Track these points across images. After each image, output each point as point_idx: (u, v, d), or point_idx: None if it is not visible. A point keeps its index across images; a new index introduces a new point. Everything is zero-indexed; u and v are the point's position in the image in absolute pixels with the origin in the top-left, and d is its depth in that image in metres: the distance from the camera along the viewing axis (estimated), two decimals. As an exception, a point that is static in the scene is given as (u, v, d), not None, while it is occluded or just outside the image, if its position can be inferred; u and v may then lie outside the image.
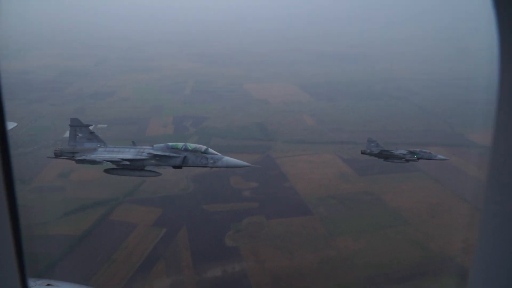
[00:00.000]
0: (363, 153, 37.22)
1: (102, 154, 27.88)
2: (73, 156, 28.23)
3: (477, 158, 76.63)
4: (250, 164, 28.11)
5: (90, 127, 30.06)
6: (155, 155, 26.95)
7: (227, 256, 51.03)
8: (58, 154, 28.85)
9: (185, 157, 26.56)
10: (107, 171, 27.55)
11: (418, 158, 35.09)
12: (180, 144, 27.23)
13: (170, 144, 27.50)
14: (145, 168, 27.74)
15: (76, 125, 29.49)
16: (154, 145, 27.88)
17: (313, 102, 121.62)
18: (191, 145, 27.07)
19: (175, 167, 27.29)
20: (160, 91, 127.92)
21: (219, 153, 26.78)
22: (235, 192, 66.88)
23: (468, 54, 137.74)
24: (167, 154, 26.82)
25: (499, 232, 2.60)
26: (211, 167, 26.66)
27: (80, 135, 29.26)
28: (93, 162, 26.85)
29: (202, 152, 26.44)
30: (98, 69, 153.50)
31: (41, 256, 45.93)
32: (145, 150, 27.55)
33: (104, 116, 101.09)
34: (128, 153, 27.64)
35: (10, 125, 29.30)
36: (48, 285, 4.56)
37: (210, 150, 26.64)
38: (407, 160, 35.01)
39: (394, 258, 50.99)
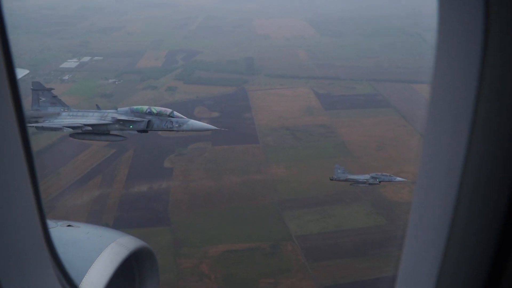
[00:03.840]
0: (331, 179, 38.90)
1: (65, 119, 27.32)
2: (36, 121, 27.40)
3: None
4: (216, 127, 28.28)
5: (52, 91, 29.33)
6: (119, 120, 26.31)
7: (159, 175, 54.71)
8: None
9: (149, 121, 25.85)
10: (72, 135, 27.61)
11: (380, 182, 36.82)
12: (144, 108, 26.51)
13: (134, 107, 26.89)
14: (110, 132, 27.29)
15: (39, 89, 28.42)
16: (118, 109, 27.48)
17: (317, 37, 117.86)
18: (156, 109, 26.40)
19: (140, 131, 26.62)
20: (167, 26, 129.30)
21: (184, 116, 26.22)
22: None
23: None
24: (130, 118, 26.12)
25: (428, 230, 2.59)
26: (177, 130, 26.31)
27: (43, 99, 28.15)
28: (53, 129, 26.85)
29: (167, 116, 25.85)
30: (116, 5, 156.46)
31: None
32: (109, 114, 26.95)
33: (104, 50, 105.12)
34: (92, 118, 27.01)
35: (22, 72, 28.25)
36: (69, 225, 4.78)
37: (176, 113, 26.04)
38: (370, 184, 37.08)
39: (317, 186, 51.95)
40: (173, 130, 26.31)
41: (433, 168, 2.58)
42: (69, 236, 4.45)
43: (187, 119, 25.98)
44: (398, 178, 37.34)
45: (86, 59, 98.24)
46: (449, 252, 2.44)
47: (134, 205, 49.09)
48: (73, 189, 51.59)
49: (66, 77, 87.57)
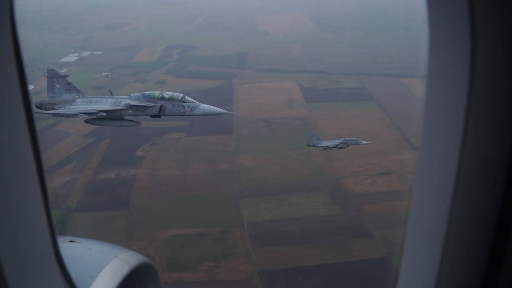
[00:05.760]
0: (308, 145, 44.96)
1: (80, 105, 28.19)
2: (52, 108, 28.40)
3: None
4: (227, 111, 29.42)
5: (67, 77, 30.01)
6: (132, 105, 27.03)
7: (129, 163, 56.31)
8: (38, 106, 28.16)
9: (161, 106, 26.47)
10: (87, 121, 28.57)
11: (348, 145, 42.49)
12: (156, 93, 27.10)
13: (147, 93, 27.57)
14: (124, 118, 28.20)
15: (53, 76, 29.30)
16: (131, 94, 28.16)
17: (316, 33, 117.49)
18: (168, 93, 27.03)
19: (152, 116, 27.47)
20: (172, 22, 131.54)
21: (196, 100, 27.09)
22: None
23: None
24: (143, 104, 26.80)
25: (429, 228, 2.56)
26: (189, 115, 27.12)
27: (58, 86, 28.89)
28: (69, 115, 28.32)
29: (179, 100, 26.48)
30: (127, 2, 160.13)
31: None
32: (122, 100, 27.70)
33: (105, 44, 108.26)
34: (106, 104, 27.82)
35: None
36: (71, 241, 4.79)
37: (187, 98, 26.74)
38: (340, 148, 42.81)
39: (280, 176, 52.51)
40: (185, 115, 27.34)
41: (429, 167, 2.64)
42: (71, 251, 4.42)
43: (198, 103, 27.00)
44: (364, 142, 43.34)
45: (86, 53, 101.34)
46: (447, 249, 2.46)
47: (99, 190, 50.84)
48: (46, 173, 53.70)
49: (63, 71, 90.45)
